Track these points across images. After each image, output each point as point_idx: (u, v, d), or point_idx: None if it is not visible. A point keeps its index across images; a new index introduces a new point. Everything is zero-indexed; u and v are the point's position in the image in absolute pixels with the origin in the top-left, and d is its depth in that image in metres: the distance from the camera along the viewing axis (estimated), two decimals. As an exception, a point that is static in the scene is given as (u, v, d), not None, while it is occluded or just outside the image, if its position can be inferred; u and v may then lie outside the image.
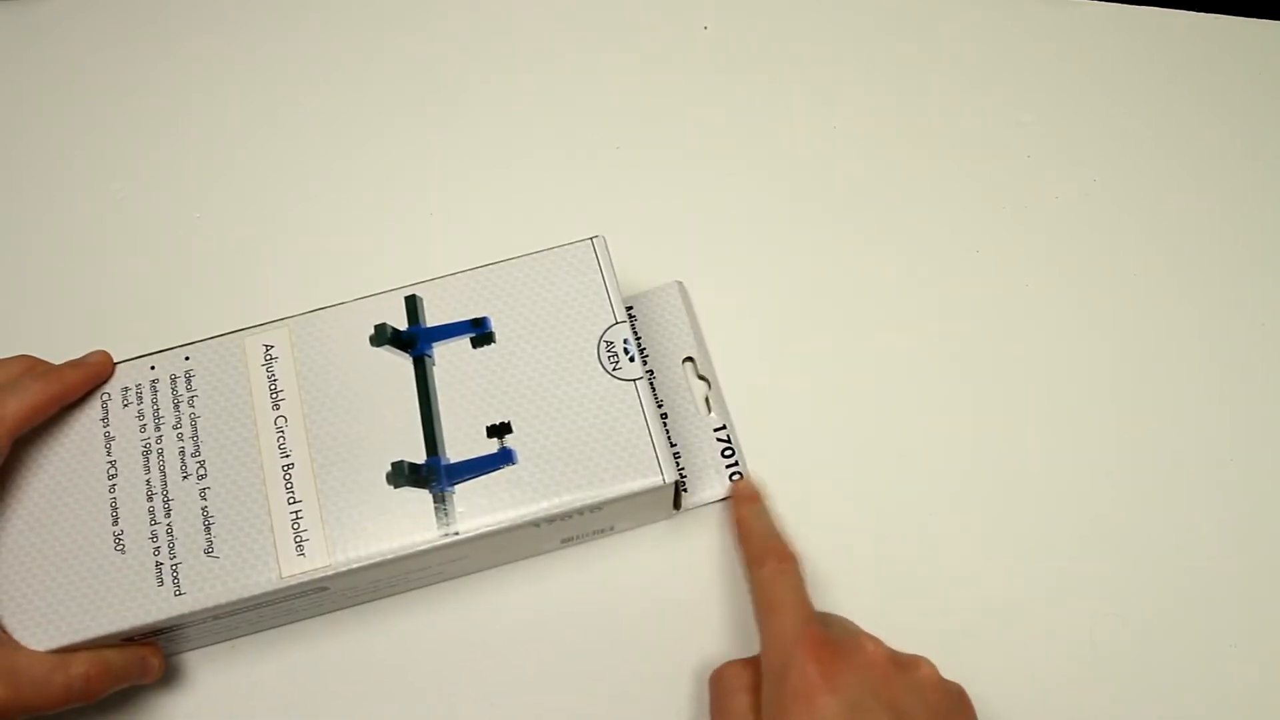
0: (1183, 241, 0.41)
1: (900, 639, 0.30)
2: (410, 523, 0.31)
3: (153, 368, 0.34)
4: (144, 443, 0.33)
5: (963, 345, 0.39)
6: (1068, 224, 0.41)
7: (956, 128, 0.43)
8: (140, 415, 0.33)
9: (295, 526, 0.31)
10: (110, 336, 0.35)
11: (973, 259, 0.41)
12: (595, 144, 0.43)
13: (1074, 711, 0.33)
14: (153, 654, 0.32)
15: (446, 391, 0.33)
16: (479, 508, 0.31)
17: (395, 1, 0.47)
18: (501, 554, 0.35)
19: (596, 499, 0.31)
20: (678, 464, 0.37)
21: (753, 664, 0.30)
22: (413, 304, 0.34)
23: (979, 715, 0.29)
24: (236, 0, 0.47)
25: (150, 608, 0.30)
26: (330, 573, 0.31)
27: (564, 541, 0.35)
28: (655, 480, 0.32)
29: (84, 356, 0.34)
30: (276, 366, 0.34)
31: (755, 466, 0.37)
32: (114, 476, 0.32)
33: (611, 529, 0.35)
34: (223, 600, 0.31)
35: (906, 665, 0.29)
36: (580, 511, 0.32)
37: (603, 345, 0.33)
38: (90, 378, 0.33)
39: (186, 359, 0.34)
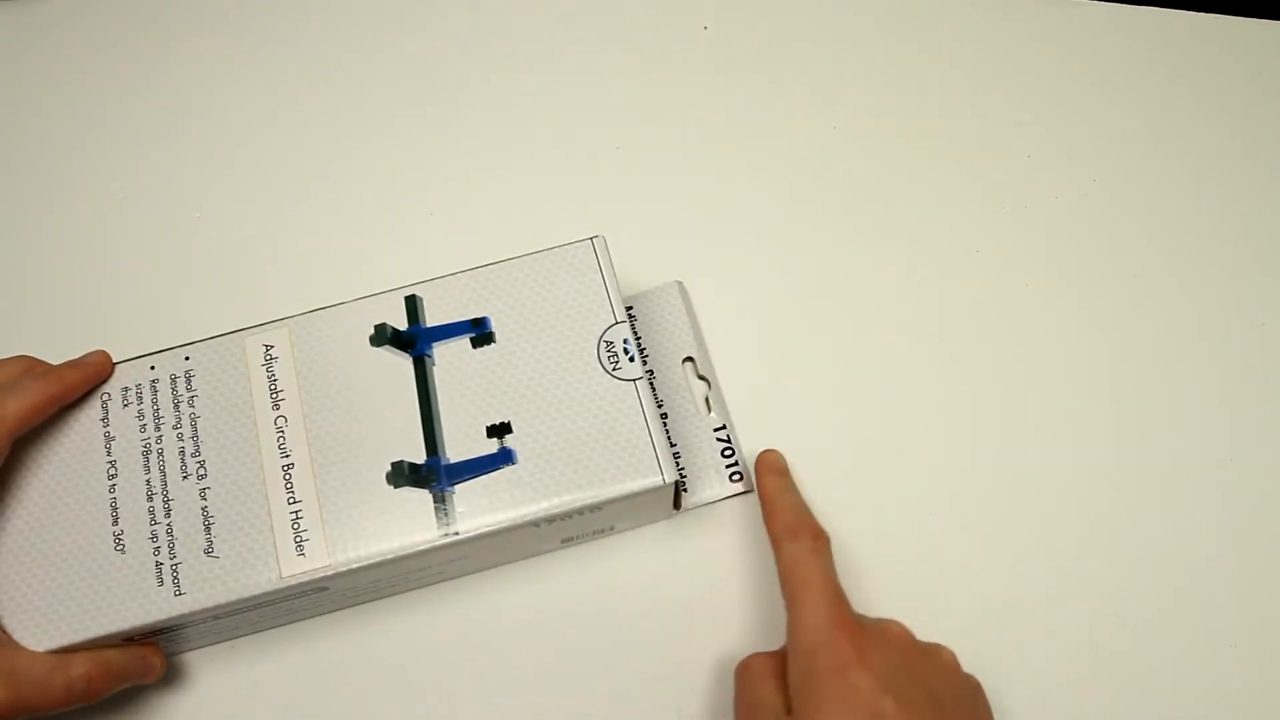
0: (1183, 241, 0.41)
1: (900, 639, 0.30)
2: (410, 523, 0.31)
3: (153, 368, 0.34)
4: (144, 443, 0.33)
5: (963, 345, 0.39)
6: (1068, 224, 0.41)
7: (956, 128, 0.43)
8: (140, 415, 0.33)
9: (295, 526, 0.31)
10: (110, 336, 0.35)
11: (973, 259, 0.41)
12: (595, 144, 0.43)
13: (1074, 711, 0.33)
14: (154, 654, 0.32)
15: (446, 391, 0.33)
16: (479, 508, 0.31)
17: (395, 1, 0.47)
18: (501, 554, 0.35)
19: (596, 499, 0.31)
20: (678, 464, 0.37)
21: (778, 655, 0.31)
22: (413, 304, 0.34)
23: (984, 713, 0.29)
24: (236, 0, 0.47)
25: (150, 608, 0.30)
26: (330, 573, 0.31)
27: (564, 541, 0.35)
28: (655, 480, 0.32)
29: (84, 356, 0.34)
30: (276, 366, 0.34)
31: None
32: (114, 476, 0.32)
33: (611, 529, 0.35)
34: (223, 600, 0.31)
35: (930, 650, 0.30)
36: (580, 511, 0.32)
37: (603, 345, 0.33)
38: (90, 378, 0.33)
39: (186, 359, 0.34)
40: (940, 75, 0.44)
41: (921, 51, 0.45)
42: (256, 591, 0.31)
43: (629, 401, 0.32)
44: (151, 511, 0.32)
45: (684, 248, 0.41)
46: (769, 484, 0.35)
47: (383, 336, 0.34)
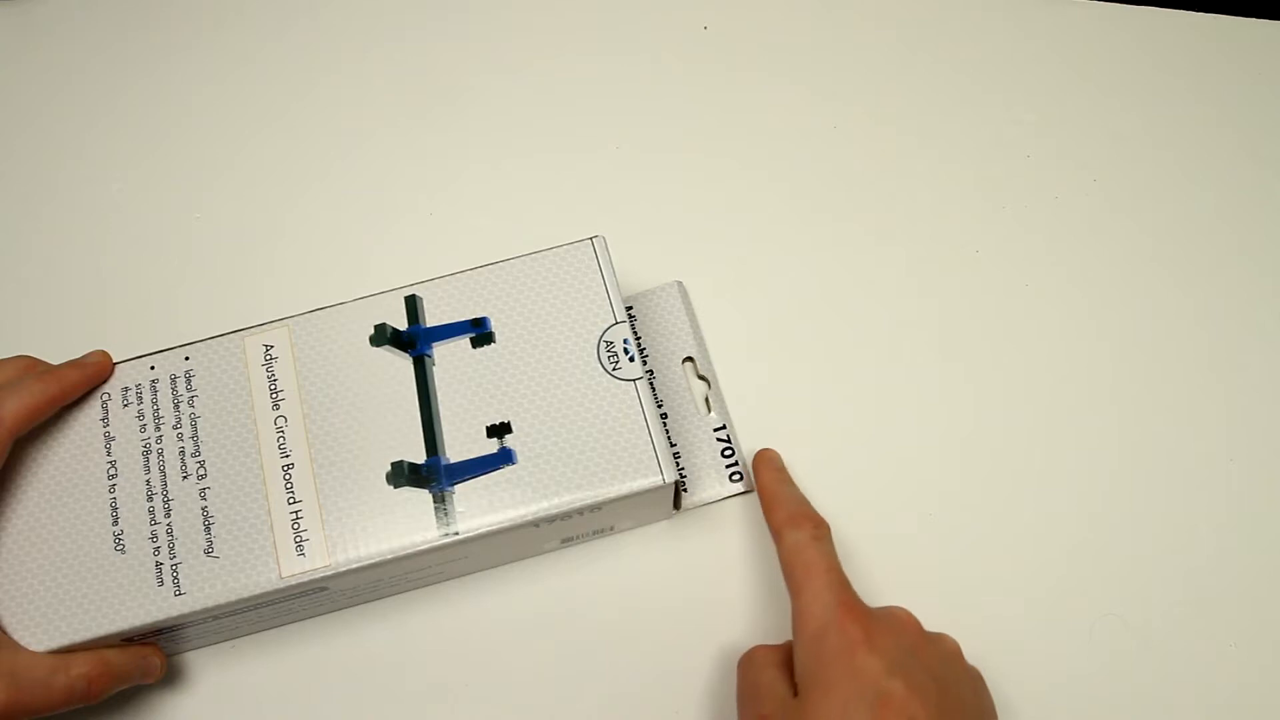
0: (1183, 241, 0.41)
1: (900, 639, 0.30)
2: (410, 523, 0.31)
3: (153, 368, 0.34)
4: (144, 443, 0.33)
5: (963, 344, 0.39)
6: (1068, 224, 0.41)
7: (956, 127, 0.43)
8: (140, 415, 0.33)
9: (295, 526, 0.31)
10: (110, 336, 0.35)
11: (973, 259, 0.41)
12: (595, 144, 0.43)
13: (1074, 711, 0.33)
14: (154, 654, 0.32)
15: (446, 391, 0.33)
16: (479, 508, 0.31)
17: (395, 2, 0.47)
18: (501, 554, 0.35)
19: (596, 499, 0.31)
20: (678, 464, 0.37)
21: (781, 647, 0.31)
22: (413, 304, 0.34)
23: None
24: (236, 1, 0.47)
25: (150, 608, 0.30)
26: (330, 573, 0.31)
27: (564, 541, 0.35)
28: (655, 480, 0.32)
29: (84, 356, 0.34)
30: (276, 366, 0.34)
31: (755, 466, 0.37)
32: (114, 476, 0.32)
33: (611, 529, 0.35)
34: (223, 600, 0.31)
35: (935, 637, 0.30)
36: (580, 511, 0.32)
37: (603, 345, 0.33)
38: (90, 378, 0.33)
39: (186, 359, 0.34)
40: (940, 75, 0.44)
41: (922, 51, 0.45)
42: (256, 591, 0.31)
43: (629, 401, 0.32)
44: (151, 511, 0.32)
45: (684, 248, 0.41)
46: (767, 477, 0.35)
47: (383, 336, 0.34)
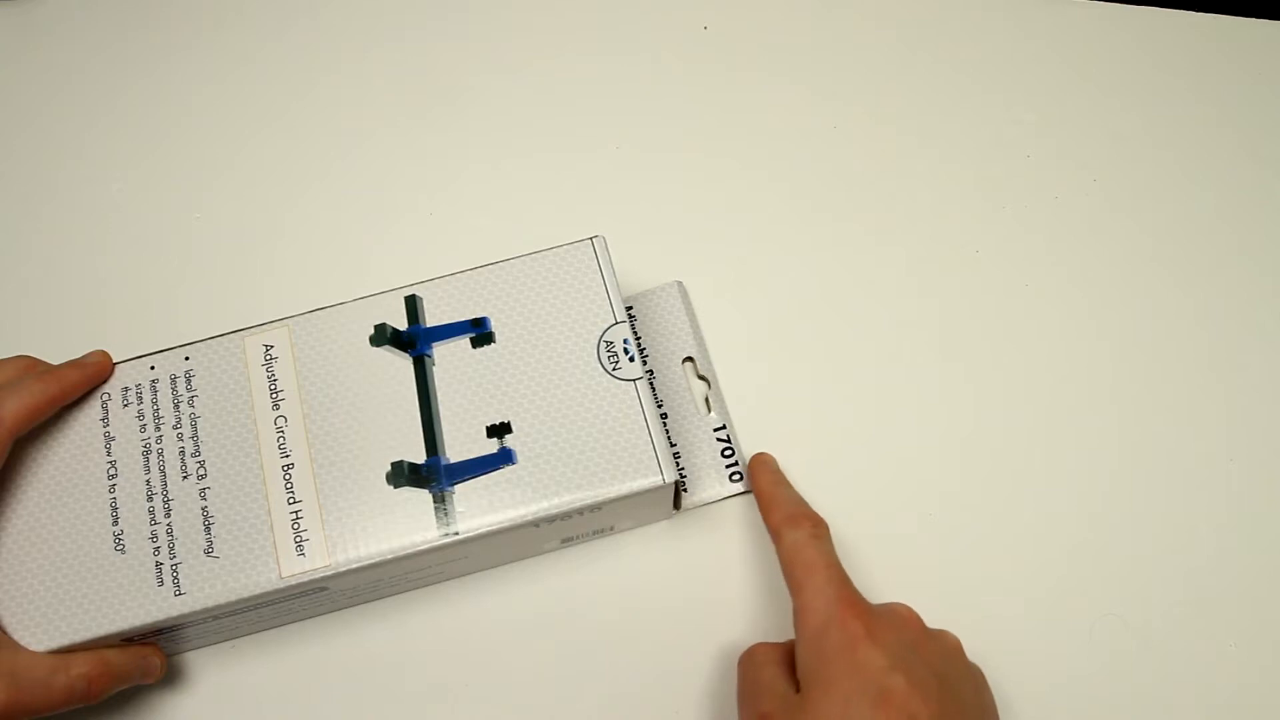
0: (1183, 241, 0.41)
1: (900, 639, 0.29)
2: (410, 523, 0.31)
3: (153, 368, 0.34)
4: (144, 443, 0.33)
5: (963, 344, 0.39)
6: (1068, 224, 0.41)
7: (956, 127, 0.43)
8: (140, 415, 0.33)
9: (295, 526, 0.31)
10: (110, 336, 0.35)
11: (973, 259, 0.41)
12: (595, 144, 0.43)
13: (1074, 711, 0.33)
14: (154, 654, 0.32)
15: (446, 391, 0.33)
16: (479, 508, 0.31)
17: (395, 2, 0.47)
18: (501, 554, 0.35)
19: (596, 499, 0.31)
20: (678, 464, 0.37)
21: (782, 645, 0.31)
22: (413, 304, 0.34)
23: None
24: (236, 1, 0.47)
25: (150, 608, 0.30)
26: (330, 573, 0.31)
27: (564, 541, 0.35)
28: (655, 480, 0.32)
29: (84, 356, 0.34)
30: (276, 366, 0.34)
31: (755, 466, 0.37)
32: (114, 476, 0.32)
33: (611, 529, 0.35)
34: (223, 600, 0.31)
35: (936, 634, 0.30)
36: (580, 511, 0.32)
37: (603, 345, 0.33)
38: (90, 378, 0.33)
39: (186, 359, 0.34)
40: (940, 75, 0.44)
41: (922, 51, 0.45)
42: (256, 591, 0.31)
43: (629, 401, 0.32)
44: (151, 511, 0.32)
45: (684, 248, 0.41)
46: (764, 480, 0.35)
47: (383, 336, 0.34)
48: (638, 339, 0.39)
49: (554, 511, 0.31)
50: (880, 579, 0.35)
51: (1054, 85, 0.44)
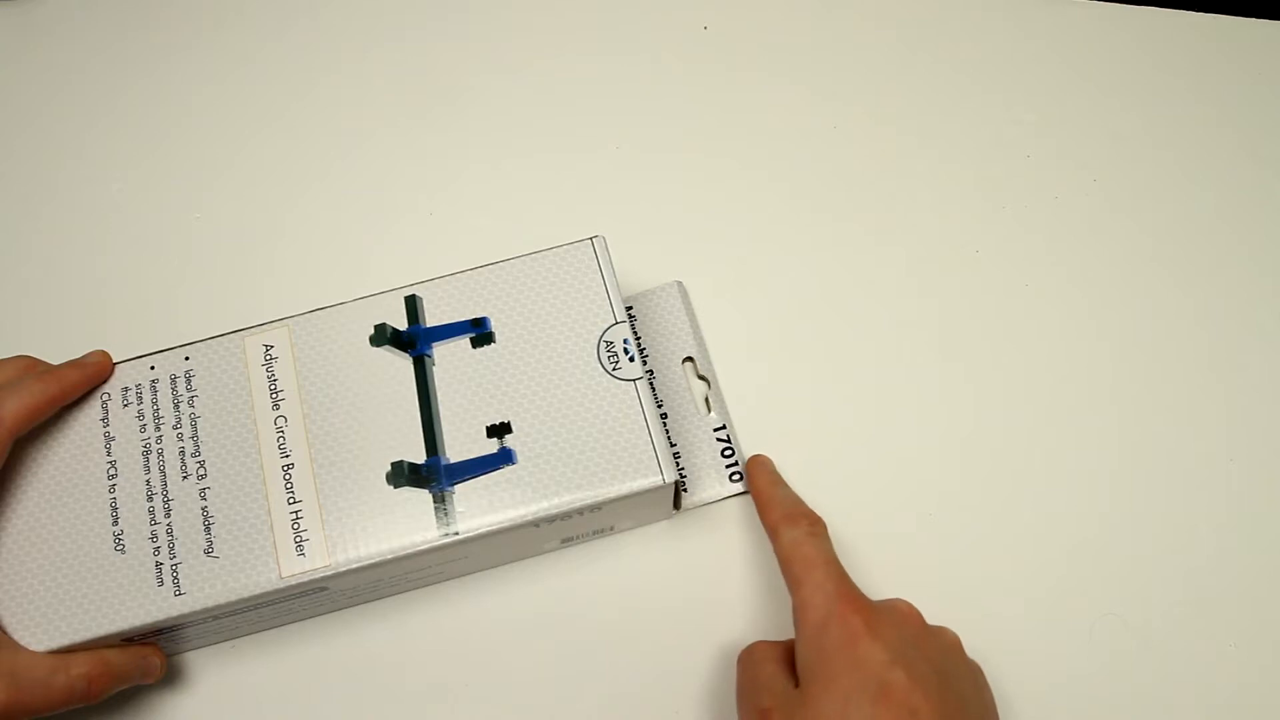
0: (1183, 241, 0.41)
1: (900, 639, 0.29)
2: (410, 523, 0.31)
3: (153, 368, 0.34)
4: (144, 443, 0.33)
5: (963, 344, 0.39)
6: (1068, 224, 0.41)
7: (956, 127, 0.43)
8: (140, 415, 0.33)
9: (295, 526, 0.31)
10: (110, 336, 0.35)
11: (973, 259, 0.41)
12: (595, 144, 0.43)
13: (1074, 711, 0.33)
14: (154, 654, 0.32)
15: (446, 391, 0.33)
16: (479, 508, 0.31)
17: (395, 2, 0.47)
18: (501, 554, 0.35)
19: (596, 499, 0.31)
20: (678, 464, 0.37)
21: (782, 644, 0.31)
22: (413, 304, 0.34)
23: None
24: (236, 1, 0.47)
25: (150, 608, 0.30)
26: (330, 573, 0.31)
27: (564, 541, 0.35)
28: (655, 480, 0.32)
29: (84, 356, 0.34)
30: (276, 366, 0.34)
31: (755, 466, 0.37)
32: (114, 476, 0.32)
33: (611, 529, 0.35)
34: (223, 600, 0.31)
35: (936, 630, 0.30)
36: (580, 511, 0.32)
37: (603, 345, 0.33)
38: (90, 378, 0.33)
39: (186, 359, 0.34)
40: (940, 75, 0.44)
41: (922, 51, 0.45)
42: (256, 591, 0.31)
43: (629, 401, 0.32)
44: (151, 511, 0.32)
45: (684, 248, 0.41)
46: (761, 480, 0.35)
47: (383, 336, 0.34)
48: (638, 339, 0.39)
49: (554, 511, 0.31)
50: (880, 579, 0.35)
51: (1054, 85, 0.44)
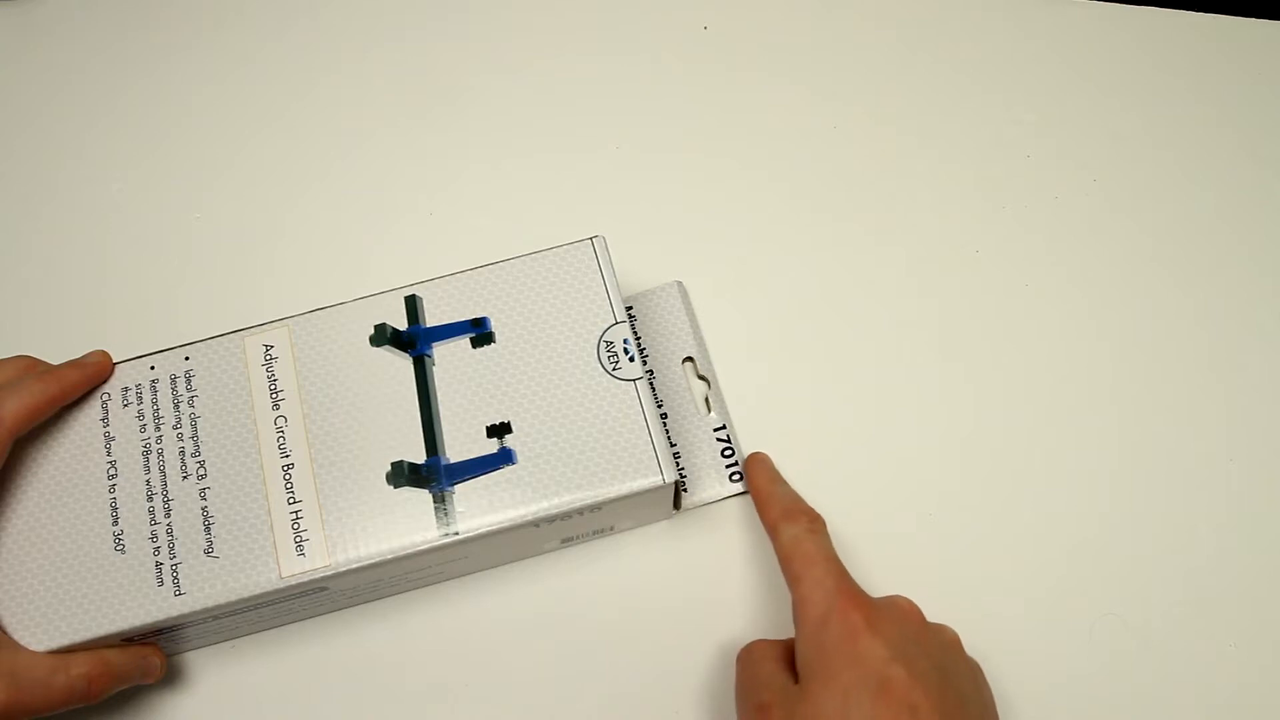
0: (1183, 241, 0.41)
1: (900, 639, 0.29)
2: (410, 523, 0.31)
3: (153, 368, 0.34)
4: (144, 443, 0.33)
5: (963, 344, 0.39)
6: (1068, 224, 0.41)
7: (956, 127, 0.43)
8: (140, 415, 0.33)
9: (295, 526, 0.31)
10: (110, 336, 0.35)
11: (973, 259, 0.41)
12: (595, 144, 0.43)
13: (1074, 711, 0.33)
14: (154, 654, 0.32)
15: (446, 391, 0.33)
16: (479, 508, 0.31)
17: (395, 2, 0.47)
18: (501, 554, 0.35)
19: (596, 499, 0.31)
20: (678, 464, 0.37)
21: (781, 642, 0.31)
22: (412, 304, 0.34)
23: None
24: (236, 1, 0.47)
25: (150, 608, 0.30)
26: (330, 573, 0.31)
27: (564, 541, 0.35)
28: (655, 480, 0.32)
29: (84, 356, 0.34)
30: (276, 366, 0.34)
31: (755, 466, 0.37)
32: (114, 476, 0.32)
33: (611, 529, 0.35)
34: (223, 600, 0.31)
35: (936, 627, 0.30)
36: (580, 511, 0.32)
37: (603, 345, 0.33)
38: (90, 378, 0.33)
39: (186, 359, 0.34)
40: (940, 75, 0.44)
41: (922, 51, 0.45)
42: (256, 591, 0.31)
43: (629, 401, 0.32)
44: (151, 511, 0.32)
45: (684, 248, 0.41)
46: (760, 479, 0.35)
47: (383, 336, 0.34)
48: (638, 339, 0.39)
49: (554, 511, 0.31)
50: (880, 579, 0.35)
51: (1054, 85, 0.44)
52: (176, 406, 0.33)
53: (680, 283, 0.40)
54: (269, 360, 0.34)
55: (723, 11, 0.46)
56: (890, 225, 0.41)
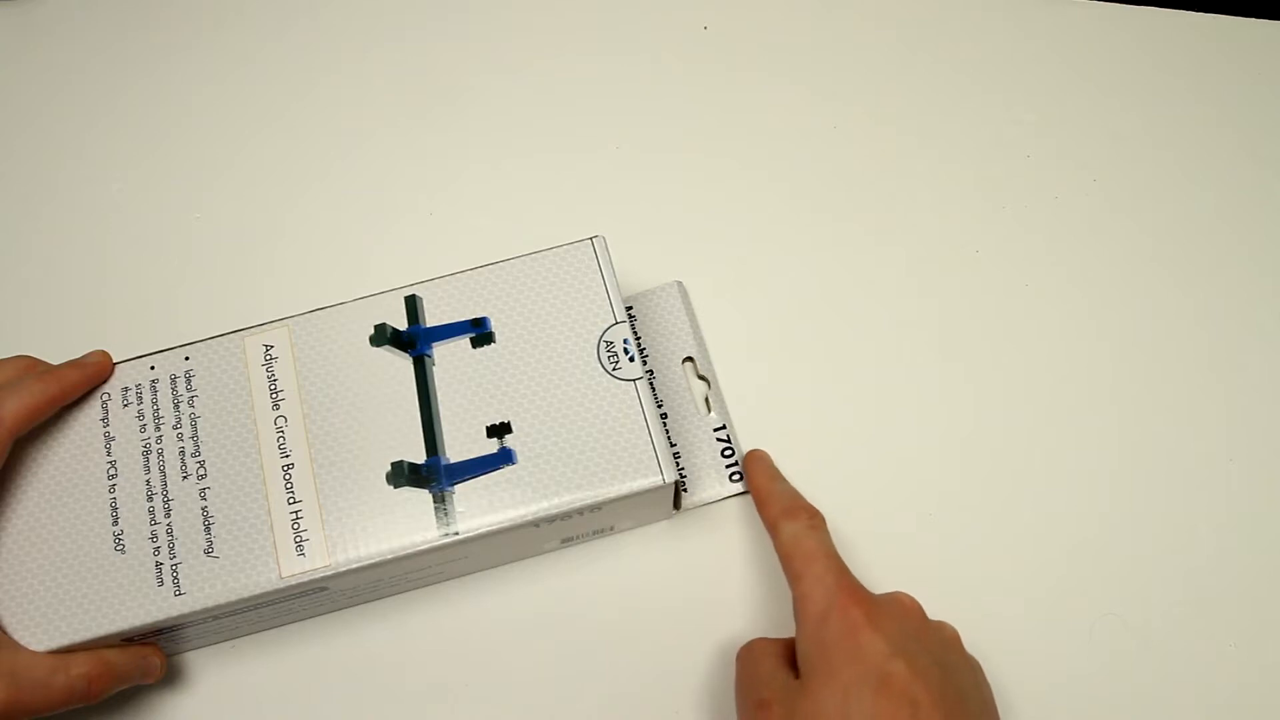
0: (1182, 241, 0.41)
1: (900, 639, 0.29)
2: (410, 523, 0.31)
3: (153, 368, 0.34)
4: (144, 443, 0.33)
5: (963, 344, 0.39)
6: (1068, 224, 0.41)
7: (956, 127, 0.43)
8: (140, 415, 0.33)
9: (295, 526, 0.31)
10: (110, 336, 0.35)
11: (973, 259, 0.41)
12: (595, 144, 0.43)
13: (1074, 711, 0.33)
14: (154, 654, 0.32)
15: (446, 391, 0.33)
16: (479, 508, 0.31)
17: (395, 2, 0.47)
18: (501, 554, 0.35)
19: (596, 499, 0.31)
20: (678, 464, 0.37)
21: (781, 640, 0.31)
22: (412, 304, 0.34)
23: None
24: (236, 1, 0.47)
25: (150, 608, 0.30)
26: (330, 573, 0.31)
27: (564, 541, 0.35)
28: (655, 480, 0.32)
29: (84, 356, 0.34)
30: (276, 366, 0.34)
31: (755, 466, 0.37)
32: (114, 476, 0.32)
33: (611, 529, 0.35)
34: (223, 600, 0.31)
35: (936, 625, 0.30)
36: (580, 511, 0.32)
37: (603, 345, 0.33)
38: (90, 378, 0.33)
39: (186, 359, 0.34)
40: (940, 75, 0.44)
41: (921, 51, 0.45)
42: (256, 591, 0.31)
43: (629, 401, 0.32)
44: (151, 511, 0.32)
45: (684, 248, 0.41)
46: (759, 476, 0.35)
47: (383, 336, 0.34)
48: (638, 339, 0.39)
49: (554, 511, 0.31)
50: (880, 578, 0.35)
51: (1054, 85, 0.44)
52: (176, 406, 0.33)
53: (680, 283, 0.40)
54: (269, 360, 0.34)
55: (723, 11, 0.46)
56: (890, 225, 0.41)
